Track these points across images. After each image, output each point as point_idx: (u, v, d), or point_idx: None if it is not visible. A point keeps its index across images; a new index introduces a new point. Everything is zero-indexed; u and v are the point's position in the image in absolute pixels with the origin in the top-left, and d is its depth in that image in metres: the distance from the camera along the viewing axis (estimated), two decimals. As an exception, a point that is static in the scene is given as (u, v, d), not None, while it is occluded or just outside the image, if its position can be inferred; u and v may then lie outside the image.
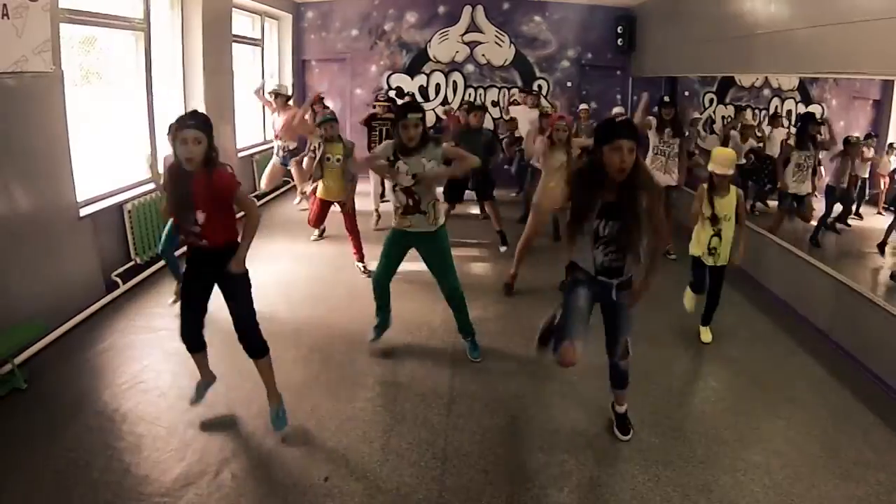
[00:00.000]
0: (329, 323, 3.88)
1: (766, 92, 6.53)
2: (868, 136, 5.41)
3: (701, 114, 7.56)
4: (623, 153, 2.19)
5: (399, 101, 7.29)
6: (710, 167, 3.47)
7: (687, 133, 5.37)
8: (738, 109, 6.90)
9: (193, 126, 2.35)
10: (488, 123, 8.18)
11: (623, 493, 2.40)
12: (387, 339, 3.61)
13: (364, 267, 4.80)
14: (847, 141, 5.13)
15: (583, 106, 7.48)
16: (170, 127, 2.47)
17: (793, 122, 6.06)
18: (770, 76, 6.29)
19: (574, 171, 2.47)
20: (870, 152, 5.38)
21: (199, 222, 2.42)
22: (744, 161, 5.96)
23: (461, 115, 6.49)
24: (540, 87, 8.56)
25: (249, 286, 2.60)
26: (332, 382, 3.15)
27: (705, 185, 3.55)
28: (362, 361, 3.39)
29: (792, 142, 5.06)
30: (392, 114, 6.14)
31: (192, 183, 2.39)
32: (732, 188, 3.52)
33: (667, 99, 5.29)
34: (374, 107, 6.29)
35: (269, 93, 6.14)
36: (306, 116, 5.92)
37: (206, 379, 2.83)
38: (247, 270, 2.57)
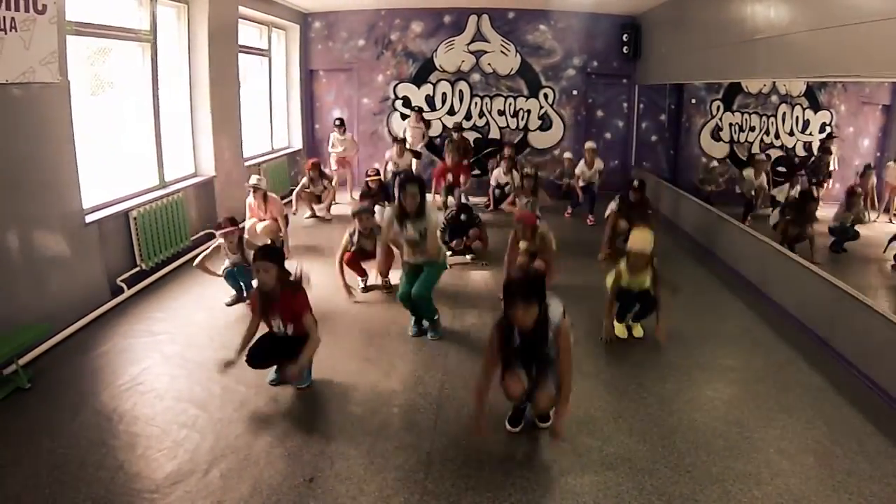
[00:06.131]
0: (324, 333, 3.90)
1: (774, 98, 6.46)
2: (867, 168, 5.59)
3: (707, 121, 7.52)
4: (518, 313, 2.40)
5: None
6: (629, 245, 3.60)
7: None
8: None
9: (261, 258, 2.95)
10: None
11: (606, 501, 2.38)
12: (381, 346, 3.70)
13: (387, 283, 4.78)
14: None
15: (588, 144, 7.10)
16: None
17: (800, 129, 6.03)
18: (777, 82, 6.23)
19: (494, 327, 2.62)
20: (869, 183, 5.54)
21: (289, 332, 3.03)
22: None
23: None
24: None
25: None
26: (323, 387, 3.20)
27: (623, 263, 3.63)
28: (354, 368, 3.44)
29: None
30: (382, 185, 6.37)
31: (277, 305, 2.98)
32: (648, 269, 3.59)
33: (636, 183, 5.26)
34: (368, 185, 6.23)
35: (248, 185, 5.27)
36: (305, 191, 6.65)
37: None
38: (304, 290, 3.08)
